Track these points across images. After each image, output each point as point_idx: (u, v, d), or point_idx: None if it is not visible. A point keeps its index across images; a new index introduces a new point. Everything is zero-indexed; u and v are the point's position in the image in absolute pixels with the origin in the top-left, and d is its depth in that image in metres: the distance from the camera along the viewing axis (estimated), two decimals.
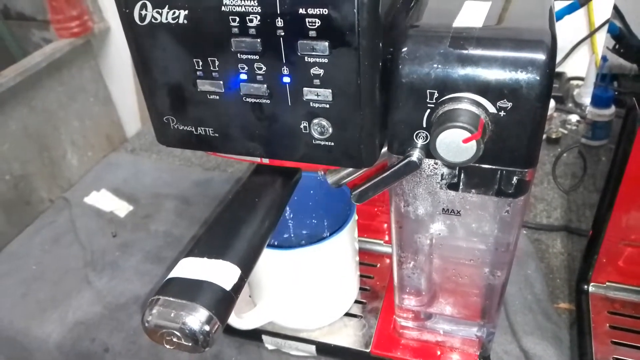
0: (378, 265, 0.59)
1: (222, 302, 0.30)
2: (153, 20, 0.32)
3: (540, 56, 0.29)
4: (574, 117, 0.87)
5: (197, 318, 0.29)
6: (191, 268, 0.31)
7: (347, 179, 0.44)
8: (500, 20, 0.32)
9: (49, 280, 0.67)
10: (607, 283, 0.53)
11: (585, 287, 0.54)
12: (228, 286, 0.30)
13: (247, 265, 0.32)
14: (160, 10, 0.32)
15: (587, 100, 0.88)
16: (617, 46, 0.53)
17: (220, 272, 0.31)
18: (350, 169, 0.43)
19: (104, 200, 0.80)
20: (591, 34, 0.91)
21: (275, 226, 0.37)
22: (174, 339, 0.29)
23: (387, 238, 0.62)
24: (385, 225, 0.62)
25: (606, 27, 0.59)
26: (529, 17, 0.33)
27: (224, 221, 0.35)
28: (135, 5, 0.32)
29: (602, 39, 0.68)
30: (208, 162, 0.88)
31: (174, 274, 0.31)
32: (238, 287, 0.31)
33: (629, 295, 0.52)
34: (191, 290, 0.30)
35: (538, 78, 0.29)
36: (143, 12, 0.32)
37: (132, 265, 0.68)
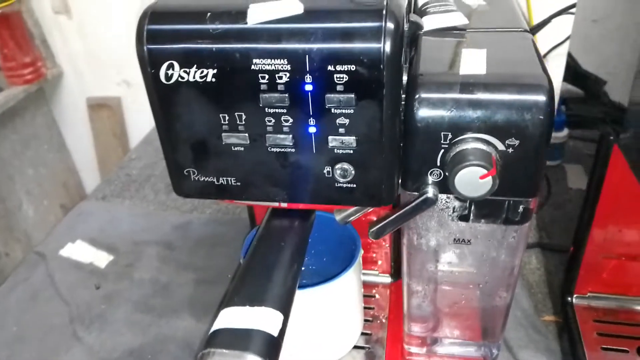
0: (377, 296, 0.61)
1: (272, 348, 0.31)
2: (180, 79, 0.33)
3: (542, 98, 0.33)
4: None
5: None
6: (235, 317, 0.32)
7: (354, 216, 0.46)
8: (500, 66, 0.36)
9: (34, 340, 0.64)
10: (589, 293, 0.57)
11: (569, 299, 0.58)
12: (275, 332, 0.31)
13: (286, 308, 0.33)
14: (188, 70, 0.33)
15: None
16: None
17: (264, 319, 0.32)
18: (358, 207, 0.45)
19: (80, 251, 0.78)
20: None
21: (302, 266, 0.38)
22: None
23: (379, 268, 0.64)
24: (374, 255, 0.64)
25: (552, 53, 0.64)
26: (524, 62, 0.37)
27: (255, 267, 0.36)
28: (162, 66, 0.33)
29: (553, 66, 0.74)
30: (184, 204, 0.88)
31: (218, 325, 0.32)
32: (283, 332, 0.32)
33: (609, 303, 0.57)
34: (242, 339, 0.30)
35: (541, 117, 0.33)
36: (169, 72, 0.33)
37: (121, 317, 0.66)
